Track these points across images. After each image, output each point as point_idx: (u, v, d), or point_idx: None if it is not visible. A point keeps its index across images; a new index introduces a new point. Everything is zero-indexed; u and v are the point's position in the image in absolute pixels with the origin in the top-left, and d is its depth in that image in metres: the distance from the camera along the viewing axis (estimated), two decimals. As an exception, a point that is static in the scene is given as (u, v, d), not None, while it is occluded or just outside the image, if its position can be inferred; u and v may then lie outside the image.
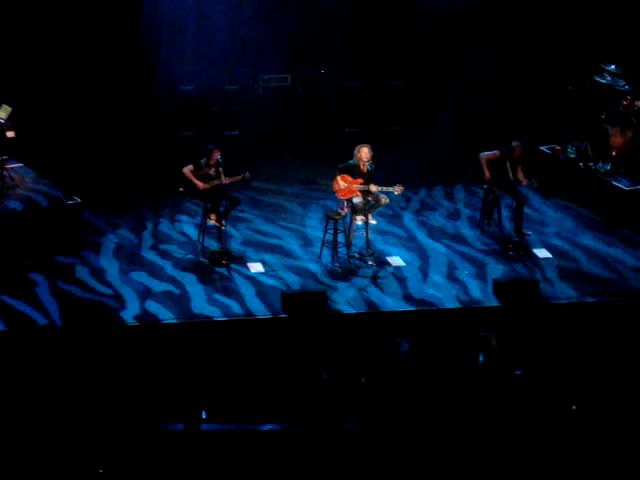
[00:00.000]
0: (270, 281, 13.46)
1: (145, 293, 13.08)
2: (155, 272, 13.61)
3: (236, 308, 12.87)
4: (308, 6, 17.56)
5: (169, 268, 13.72)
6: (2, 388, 10.63)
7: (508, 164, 14.42)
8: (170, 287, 13.27)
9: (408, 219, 15.29)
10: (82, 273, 13.50)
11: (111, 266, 13.73)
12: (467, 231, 14.93)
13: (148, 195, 15.78)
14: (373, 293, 13.19)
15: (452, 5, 17.47)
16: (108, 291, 13.11)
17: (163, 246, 14.33)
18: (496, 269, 13.80)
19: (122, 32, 16.81)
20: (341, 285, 13.36)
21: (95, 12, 16.71)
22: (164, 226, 14.94)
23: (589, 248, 14.55)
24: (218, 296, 13.12)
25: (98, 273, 13.54)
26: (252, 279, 13.52)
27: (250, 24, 17.21)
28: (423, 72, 17.96)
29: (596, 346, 11.79)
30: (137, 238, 14.52)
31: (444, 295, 13.17)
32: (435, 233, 14.84)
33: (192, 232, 14.65)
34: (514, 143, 14.49)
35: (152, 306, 12.83)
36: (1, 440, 9.31)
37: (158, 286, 13.27)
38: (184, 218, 15.15)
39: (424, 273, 13.68)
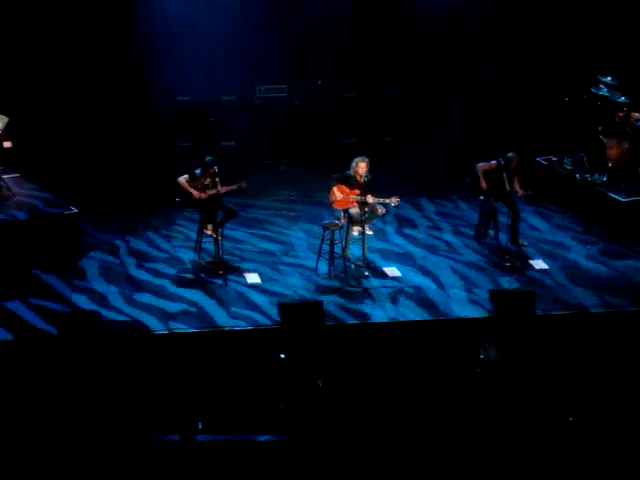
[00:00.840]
0: (272, 291, 13.42)
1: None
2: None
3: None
4: (305, 18, 17.60)
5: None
6: (2, 396, 10.64)
7: (505, 175, 14.43)
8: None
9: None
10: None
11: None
12: (457, 242, 14.91)
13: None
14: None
15: (448, 15, 17.52)
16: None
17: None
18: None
19: (118, 42, 16.83)
20: (340, 296, 13.37)
21: (91, 22, 16.74)
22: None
23: (586, 258, 14.57)
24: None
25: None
26: (252, 289, 13.47)
27: (247, 35, 17.24)
28: (419, 83, 18.00)
29: (593, 357, 11.78)
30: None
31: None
32: (429, 247, 14.77)
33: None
34: (510, 154, 14.49)
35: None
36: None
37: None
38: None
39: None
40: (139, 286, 13.49)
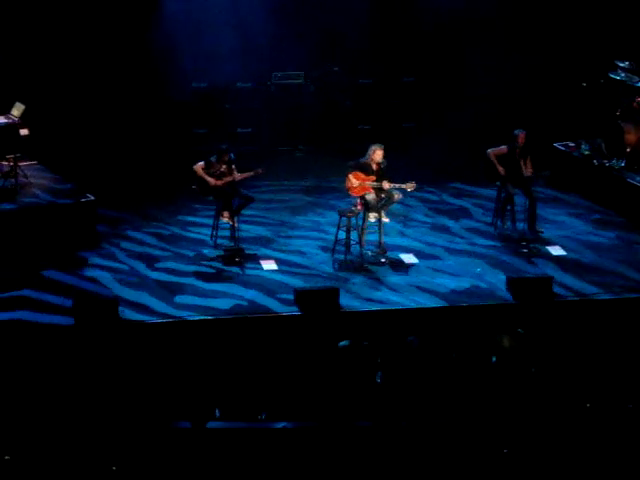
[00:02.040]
0: (289, 278, 13.34)
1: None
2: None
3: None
4: (321, 4, 17.57)
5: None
6: (19, 384, 10.67)
7: (519, 158, 14.35)
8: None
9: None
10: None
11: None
12: (471, 230, 14.85)
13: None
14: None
15: (466, 1, 17.43)
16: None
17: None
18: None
19: (135, 29, 16.83)
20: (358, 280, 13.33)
21: (108, 10, 16.74)
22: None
23: (605, 243, 14.51)
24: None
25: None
26: (269, 275, 13.42)
27: (264, 22, 17.22)
28: (436, 69, 17.94)
29: (610, 343, 11.74)
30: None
31: None
32: (445, 235, 14.70)
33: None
34: (516, 131, 14.43)
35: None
36: (17, 435, 9.32)
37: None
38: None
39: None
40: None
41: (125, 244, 14.27)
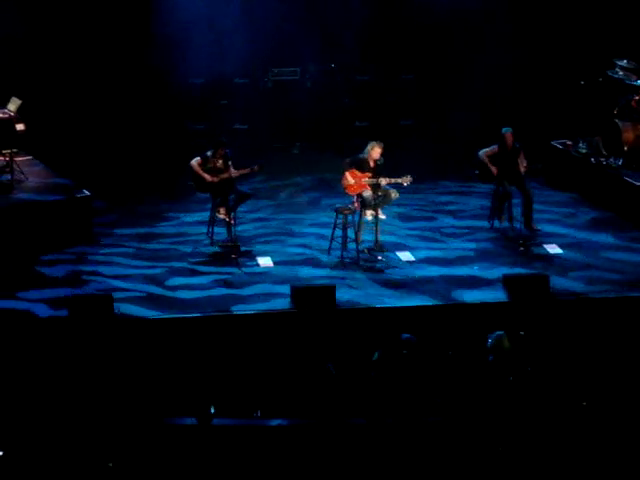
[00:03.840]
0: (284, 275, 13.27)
1: None
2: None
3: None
4: (319, 0, 17.57)
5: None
6: (14, 380, 10.65)
7: (515, 157, 14.32)
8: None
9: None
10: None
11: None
12: (468, 227, 14.81)
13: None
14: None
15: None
16: None
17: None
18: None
19: (132, 25, 16.82)
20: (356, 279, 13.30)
21: (105, 4, 16.73)
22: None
23: (602, 241, 14.48)
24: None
25: None
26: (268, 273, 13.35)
27: (261, 18, 17.21)
28: (434, 66, 17.93)
29: (606, 342, 11.73)
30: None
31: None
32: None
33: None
34: (503, 130, 14.40)
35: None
36: (12, 432, 9.30)
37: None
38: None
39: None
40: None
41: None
